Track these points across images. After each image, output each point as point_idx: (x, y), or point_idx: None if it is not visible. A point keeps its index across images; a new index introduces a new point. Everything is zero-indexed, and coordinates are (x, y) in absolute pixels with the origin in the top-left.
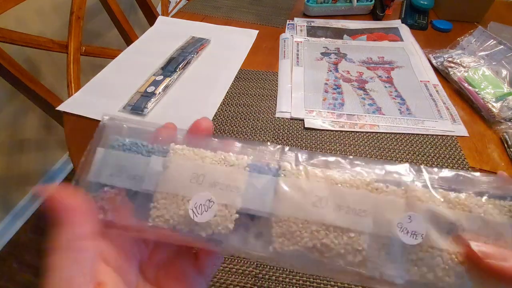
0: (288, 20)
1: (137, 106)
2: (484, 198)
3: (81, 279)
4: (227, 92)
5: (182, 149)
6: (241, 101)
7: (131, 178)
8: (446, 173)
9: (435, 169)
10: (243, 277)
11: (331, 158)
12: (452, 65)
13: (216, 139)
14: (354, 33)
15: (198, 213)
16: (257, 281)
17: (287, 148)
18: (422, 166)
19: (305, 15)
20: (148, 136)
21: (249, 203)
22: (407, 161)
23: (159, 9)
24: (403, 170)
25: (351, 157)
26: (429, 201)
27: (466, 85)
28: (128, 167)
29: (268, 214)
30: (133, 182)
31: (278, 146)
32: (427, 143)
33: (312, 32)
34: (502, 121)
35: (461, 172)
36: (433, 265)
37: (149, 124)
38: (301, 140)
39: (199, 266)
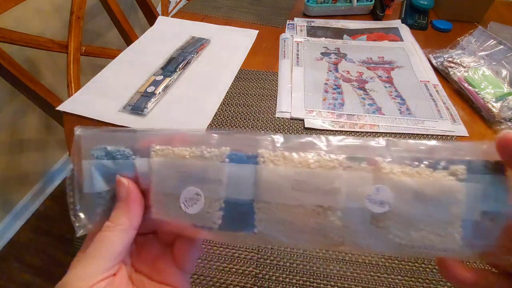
0: (288, 20)
1: (137, 106)
2: (441, 165)
3: (119, 257)
4: (227, 92)
5: (163, 149)
6: (241, 101)
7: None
8: (412, 144)
9: (402, 141)
10: (243, 277)
11: (307, 139)
12: (452, 65)
13: (196, 133)
14: (354, 33)
15: (188, 206)
16: (257, 281)
17: (263, 133)
18: (390, 139)
19: (305, 15)
20: (127, 140)
21: (232, 193)
22: None
23: (159, 9)
24: (374, 144)
25: (324, 137)
26: (394, 173)
27: (466, 85)
28: (118, 172)
29: (250, 201)
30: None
31: (256, 132)
32: None
33: (312, 32)
34: (502, 121)
35: (425, 141)
36: (398, 229)
37: (123, 129)
38: None
39: (177, 262)
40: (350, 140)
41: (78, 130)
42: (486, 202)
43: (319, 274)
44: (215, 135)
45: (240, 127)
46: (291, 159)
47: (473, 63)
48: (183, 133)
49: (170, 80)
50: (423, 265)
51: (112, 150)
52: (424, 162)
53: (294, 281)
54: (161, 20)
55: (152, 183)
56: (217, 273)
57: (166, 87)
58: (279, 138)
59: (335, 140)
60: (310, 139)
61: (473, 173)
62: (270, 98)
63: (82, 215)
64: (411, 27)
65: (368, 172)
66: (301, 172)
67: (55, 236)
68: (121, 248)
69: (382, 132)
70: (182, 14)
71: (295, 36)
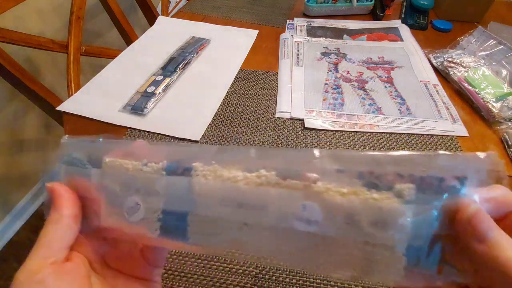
0: (288, 20)
1: (137, 106)
2: (384, 183)
3: (59, 244)
4: (227, 92)
5: (112, 161)
6: (241, 101)
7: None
8: (360, 157)
9: (349, 153)
10: (243, 277)
11: (241, 152)
12: (452, 65)
13: (143, 146)
14: (354, 33)
15: (130, 215)
16: (257, 281)
17: (203, 146)
18: (334, 151)
19: (305, 15)
20: (92, 150)
21: (168, 204)
22: None
23: (159, 9)
24: (314, 156)
25: (254, 149)
26: (326, 191)
27: (466, 85)
28: (77, 178)
29: (185, 213)
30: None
31: (198, 145)
32: (427, 143)
33: (312, 32)
34: (502, 121)
35: (375, 153)
36: (330, 254)
37: (106, 142)
38: (301, 140)
39: (147, 259)
40: (284, 152)
41: (64, 138)
42: (435, 228)
43: (319, 274)
44: (159, 147)
45: (240, 127)
46: (221, 174)
47: (473, 63)
48: (136, 145)
49: (170, 80)
50: None
51: (75, 159)
52: (368, 179)
53: (294, 281)
54: (161, 20)
55: (101, 193)
56: (217, 273)
57: (166, 87)
58: (214, 150)
59: (267, 152)
60: (245, 150)
61: (423, 193)
62: (270, 98)
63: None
64: (411, 27)
65: (299, 190)
66: (228, 188)
67: None
68: (57, 236)
69: (382, 132)
70: (182, 14)
71: (295, 36)
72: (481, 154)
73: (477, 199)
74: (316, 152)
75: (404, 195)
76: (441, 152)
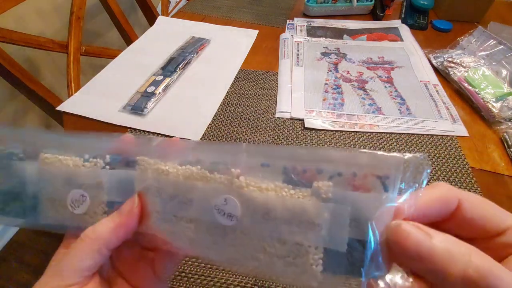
0: (288, 20)
1: (137, 106)
2: (302, 181)
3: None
4: (227, 92)
5: (50, 157)
6: (241, 101)
7: (18, 184)
8: (286, 150)
9: (277, 148)
10: (243, 277)
11: (183, 145)
12: (452, 65)
13: (84, 140)
14: (354, 33)
15: (75, 207)
16: (257, 281)
17: (146, 138)
18: (260, 146)
19: (305, 15)
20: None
21: (113, 196)
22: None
23: (159, 9)
24: (236, 151)
25: (194, 142)
26: (246, 186)
27: (466, 85)
28: (11, 174)
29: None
30: (20, 186)
31: (140, 137)
32: (427, 143)
33: (312, 32)
34: (502, 121)
35: (299, 149)
36: (247, 245)
37: (46, 133)
38: (301, 140)
39: (156, 271)
40: (219, 146)
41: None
42: (354, 228)
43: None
44: (103, 141)
45: (240, 127)
46: (158, 168)
47: (473, 63)
48: (73, 140)
49: (170, 80)
50: None
51: (11, 152)
52: (288, 175)
53: None
54: (161, 20)
55: (40, 189)
56: (217, 273)
57: (166, 87)
58: (156, 142)
59: (203, 145)
60: (186, 144)
61: (342, 192)
62: (270, 98)
63: None
64: (411, 27)
65: (222, 184)
66: (160, 180)
67: (55, 236)
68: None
69: (382, 132)
70: (182, 14)
71: (295, 36)
72: (406, 155)
73: (405, 198)
74: (244, 146)
75: (320, 193)
76: (364, 150)
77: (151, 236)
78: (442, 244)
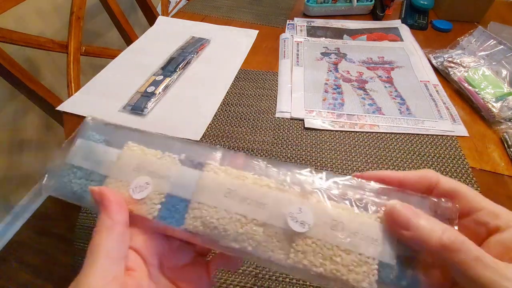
0: (288, 20)
1: (137, 106)
2: (366, 202)
3: (116, 254)
4: (227, 92)
5: (134, 146)
6: (241, 101)
7: (95, 163)
8: (341, 179)
9: (332, 176)
10: (243, 277)
11: (248, 161)
12: (452, 65)
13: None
14: (354, 33)
15: (136, 192)
16: (257, 281)
17: (218, 151)
18: (324, 172)
19: (305, 15)
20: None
21: (175, 190)
22: (407, 161)
23: (159, 9)
24: (306, 172)
25: (264, 162)
26: (320, 201)
27: (466, 85)
28: (95, 155)
29: (187, 200)
30: (96, 165)
31: (213, 147)
32: (427, 143)
33: (312, 32)
34: (502, 121)
35: (353, 181)
36: (316, 253)
37: (123, 126)
38: (301, 140)
39: (209, 276)
40: (290, 166)
41: (88, 118)
42: (402, 246)
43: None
44: (183, 143)
45: (240, 127)
46: (230, 173)
47: (473, 63)
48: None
49: (170, 80)
50: None
51: (100, 139)
52: (355, 197)
53: (294, 281)
54: (161, 20)
55: (112, 170)
56: (217, 273)
57: (166, 87)
58: (222, 155)
59: (273, 168)
60: (254, 162)
61: None
62: (270, 98)
63: (46, 176)
64: (411, 27)
65: (296, 196)
66: (234, 183)
67: (55, 236)
68: (112, 245)
69: (382, 132)
70: (182, 14)
71: (295, 36)
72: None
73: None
74: (319, 174)
75: (378, 216)
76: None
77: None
78: (425, 220)
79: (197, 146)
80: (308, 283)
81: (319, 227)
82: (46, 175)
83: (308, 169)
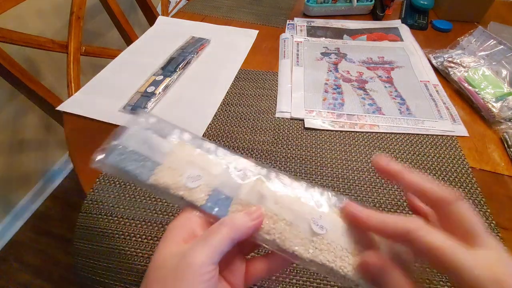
0: (288, 20)
1: (137, 106)
2: None
3: (222, 249)
4: (227, 92)
5: (188, 145)
6: (241, 101)
7: (150, 149)
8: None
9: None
10: None
11: (294, 183)
12: (452, 65)
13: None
14: (354, 33)
15: (190, 182)
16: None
17: (265, 168)
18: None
19: (305, 15)
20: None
21: (221, 187)
22: (407, 161)
23: (159, 9)
24: (323, 195)
25: (303, 183)
26: (335, 213)
27: (466, 85)
28: (148, 142)
29: (230, 197)
30: (150, 152)
31: (258, 162)
32: (427, 143)
33: (312, 32)
34: (502, 121)
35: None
36: (328, 251)
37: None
38: (301, 140)
39: (247, 276)
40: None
41: (145, 111)
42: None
43: (319, 274)
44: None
45: (240, 127)
46: (282, 179)
47: (473, 63)
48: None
49: (170, 80)
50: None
51: (155, 130)
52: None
53: (294, 281)
54: (161, 20)
55: (167, 158)
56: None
57: (166, 87)
58: (267, 171)
59: (301, 182)
60: (295, 182)
61: None
62: (270, 98)
63: (102, 153)
64: (411, 27)
65: (315, 206)
66: (278, 195)
67: (55, 236)
68: (227, 242)
69: (382, 132)
70: (182, 14)
71: (295, 36)
72: None
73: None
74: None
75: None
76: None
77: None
78: (377, 216)
79: (243, 158)
80: (308, 283)
81: (333, 232)
82: (102, 153)
83: (323, 191)
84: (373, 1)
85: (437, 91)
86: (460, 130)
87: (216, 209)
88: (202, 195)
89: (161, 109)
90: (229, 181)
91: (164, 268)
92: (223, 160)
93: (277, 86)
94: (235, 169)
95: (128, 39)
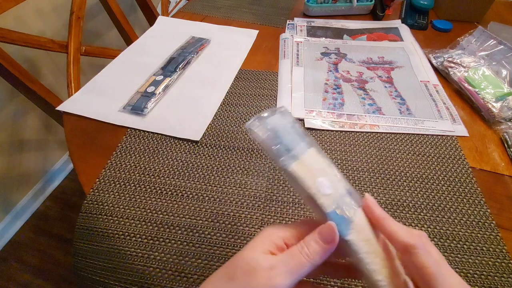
0: (288, 20)
1: (137, 106)
2: None
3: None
4: (227, 92)
5: (319, 153)
6: (241, 101)
7: (290, 142)
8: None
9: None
10: None
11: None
12: (452, 65)
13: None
14: (354, 33)
15: (321, 187)
16: None
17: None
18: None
19: (305, 15)
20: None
21: (343, 205)
22: (407, 161)
23: (159, 9)
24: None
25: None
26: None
27: (466, 85)
28: (285, 137)
29: (352, 220)
30: (290, 143)
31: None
32: (427, 143)
33: (312, 32)
34: (502, 121)
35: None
36: (354, 252)
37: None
38: None
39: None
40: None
41: (284, 107)
42: None
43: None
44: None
45: (240, 127)
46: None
47: (473, 63)
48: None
49: (170, 80)
50: None
51: (294, 126)
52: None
53: None
54: (161, 20)
55: (300, 162)
56: None
57: (166, 87)
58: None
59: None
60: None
61: None
62: (270, 98)
63: (256, 122)
64: (411, 27)
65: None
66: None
67: (55, 236)
68: (300, 263)
69: (382, 132)
70: (182, 14)
71: (295, 36)
72: None
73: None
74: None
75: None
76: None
77: None
78: (389, 219)
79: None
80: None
81: (358, 225)
82: (257, 121)
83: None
84: (373, 1)
85: (437, 91)
86: (460, 130)
87: (338, 223)
88: (330, 205)
89: (161, 109)
90: (350, 203)
91: (241, 269)
92: (342, 182)
93: (277, 86)
94: (349, 194)
95: (128, 39)
